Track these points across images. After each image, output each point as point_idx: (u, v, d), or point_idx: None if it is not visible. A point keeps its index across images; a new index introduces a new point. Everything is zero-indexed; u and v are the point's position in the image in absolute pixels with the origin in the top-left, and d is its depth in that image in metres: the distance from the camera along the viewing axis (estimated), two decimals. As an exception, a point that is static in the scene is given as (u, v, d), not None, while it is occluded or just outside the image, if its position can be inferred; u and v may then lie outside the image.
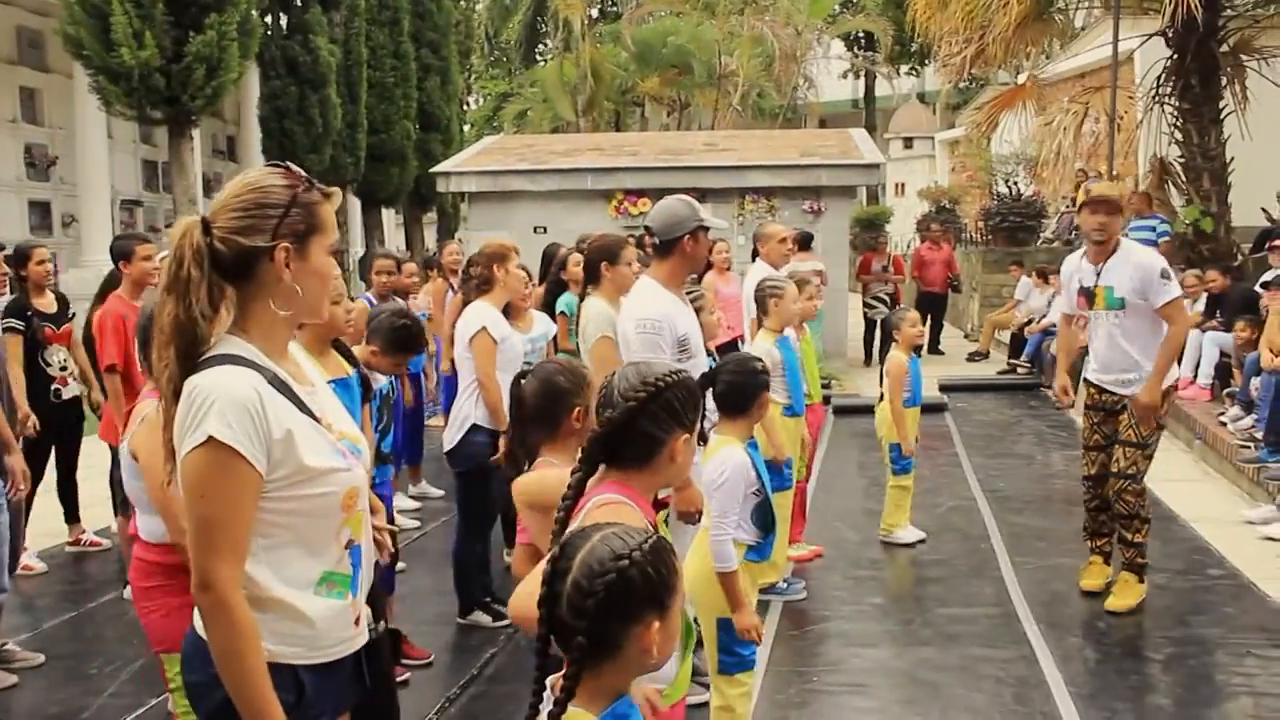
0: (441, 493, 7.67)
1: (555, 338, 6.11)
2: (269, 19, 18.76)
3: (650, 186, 13.57)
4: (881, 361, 7.02)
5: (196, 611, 2.09)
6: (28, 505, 5.26)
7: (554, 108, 27.95)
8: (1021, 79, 14.37)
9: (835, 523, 6.87)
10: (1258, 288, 9.04)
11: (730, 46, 25.56)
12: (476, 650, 4.94)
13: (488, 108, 40.06)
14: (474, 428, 5.04)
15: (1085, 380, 5.54)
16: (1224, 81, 11.83)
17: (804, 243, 11.66)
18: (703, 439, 3.31)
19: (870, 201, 27.74)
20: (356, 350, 4.70)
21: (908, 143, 33.20)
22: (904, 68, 36.60)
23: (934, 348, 15.09)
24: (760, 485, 3.60)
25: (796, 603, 5.48)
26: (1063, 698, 4.31)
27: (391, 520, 4.89)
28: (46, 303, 6.22)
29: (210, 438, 1.91)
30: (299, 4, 19.22)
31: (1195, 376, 9.37)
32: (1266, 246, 9.94)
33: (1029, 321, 13.18)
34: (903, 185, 32.18)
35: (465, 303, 5.30)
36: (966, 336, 17.19)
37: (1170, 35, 11.64)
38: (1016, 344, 13.24)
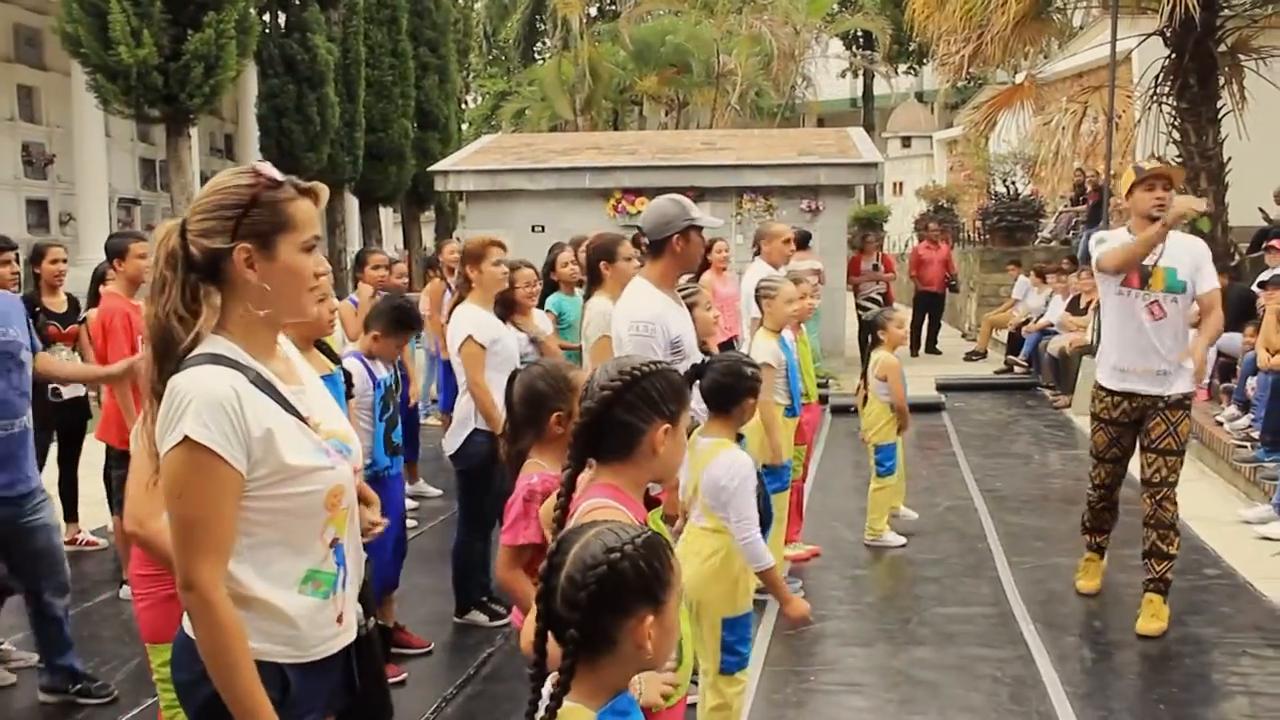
0: (439, 492, 7.67)
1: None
2: (267, 17, 18.75)
3: (648, 185, 13.57)
4: (865, 360, 6.97)
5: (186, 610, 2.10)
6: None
7: (552, 106, 27.94)
8: (1019, 78, 14.36)
9: (832, 522, 6.88)
10: (1254, 288, 9.05)
11: (728, 45, 25.56)
12: (474, 649, 4.95)
13: (486, 106, 40.04)
14: (475, 429, 5.04)
15: (1102, 389, 5.21)
16: (1221, 81, 11.85)
17: (801, 242, 11.64)
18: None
19: (868, 200, 27.77)
20: (358, 342, 4.72)
21: (906, 142, 33.25)
22: (902, 67, 36.64)
23: (931, 347, 15.10)
24: (758, 482, 3.61)
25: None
26: (1059, 697, 4.32)
27: (401, 510, 4.89)
28: (57, 302, 6.26)
29: (186, 437, 1.92)
30: (297, 2, 19.21)
31: (1192, 376, 9.37)
32: (1263, 246, 9.95)
33: (1026, 321, 13.18)
34: (901, 184, 32.22)
35: (457, 301, 5.29)
36: (964, 336, 17.20)
37: (1168, 35, 11.64)
38: (1014, 343, 13.25)
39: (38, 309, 6.05)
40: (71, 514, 6.61)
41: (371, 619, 2.32)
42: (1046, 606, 5.38)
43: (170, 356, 2.01)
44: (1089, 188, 16.38)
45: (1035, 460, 8.85)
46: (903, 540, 6.40)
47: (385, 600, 4.71)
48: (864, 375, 6.63)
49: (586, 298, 5.52)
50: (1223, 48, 11.77)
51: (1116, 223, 12.55)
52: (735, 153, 14.54)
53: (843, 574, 6.00)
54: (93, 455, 6.49)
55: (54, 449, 6.53)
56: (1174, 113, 11.97)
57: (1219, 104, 11.85)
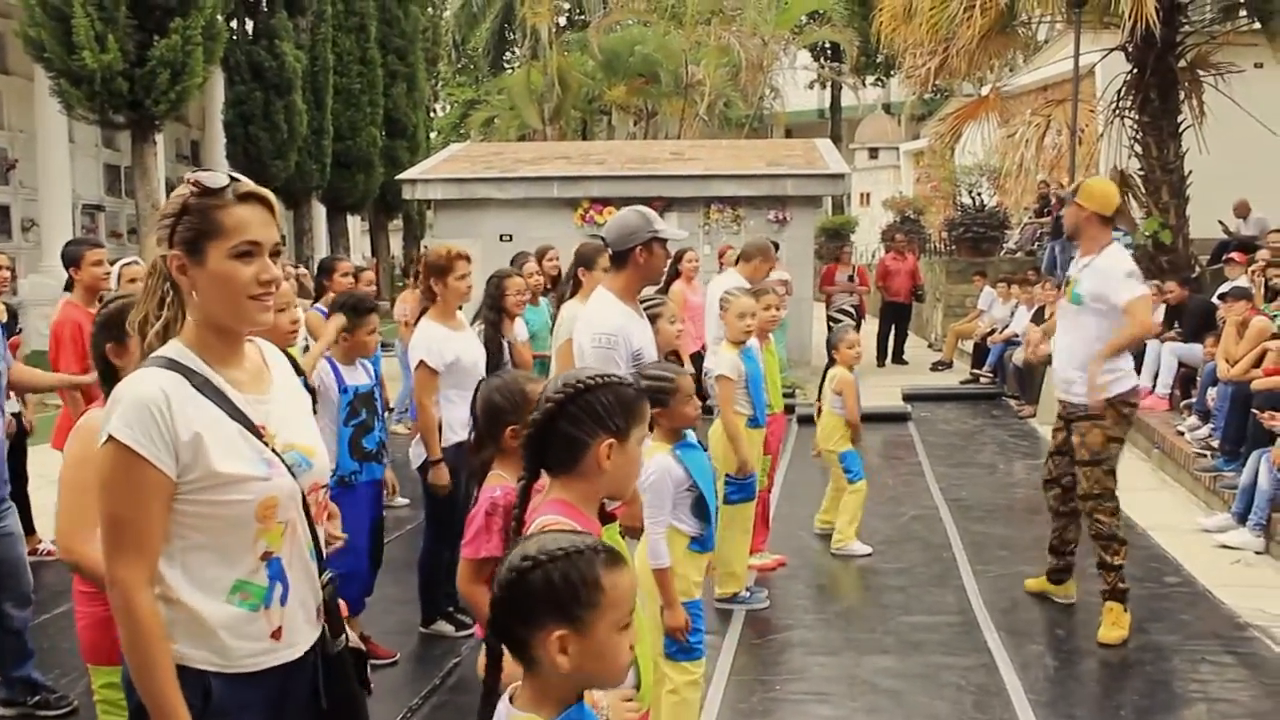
0: (406, 501, 7.63)
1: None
2: (234, 24, 18.64)
3: (616, 195, 13.58)
4: (824, 375, 7.08)
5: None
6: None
7: (521, 115, 27.89)
8: (985, 91, 14.53)
9: (798, 532, 6.90)
10: (1215, 299, 9.18)
11: (697, 56, 25.63)
12: (439, 660, 4.93)
13: (454, 115, 39.93)
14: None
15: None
16: (1182, 96, 12.03)
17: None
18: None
19: (835, 211, 27.93)
20: (333, 349, 4.70)
21: (873, 153, 33.46)
22: (869, 79, 36.85)
23: (898, 357, 15.19)
24: (692, 482, 3.67)
25: (759, 611, 5.50)
26: (1022, 705, 4.36)
27: (379, 518, 4.87)
28: None
29: (110, 437, 1.96)
30: (265, 9, 19.10)
31: (1154, 386, 9.49)
32: (1223, 259, 10.10)
33: (992, 331, 13.29)
34: (868, 195, 32.41)
35: (420, 313, 5.24)
36: (930, 346, 17.32)
37: (1130, 50, 11.82)
38: (979, 354, 13.35)
39: None
40: (28, 526, 6.53)
41: (343, 638, 2.27)
42: (1010, 615, 5.42)
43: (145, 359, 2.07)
44: (1053, 200, 16.56)
45: (1000, 470, 8.92)
46: (868, 549, 6.43)
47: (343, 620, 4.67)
48: (820, 390, 6.73)
49: (561, 303, 5.56)
50: (1183, 63, 11.96)
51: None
52: (703, 163, 14.59)
53: (809, 583, 6.02)
54: (49, 465, 6.40)
55: None
56: (1136, 126, 12.14)
57: (1180, 118, 12.03)
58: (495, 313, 5.88)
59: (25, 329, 6.35)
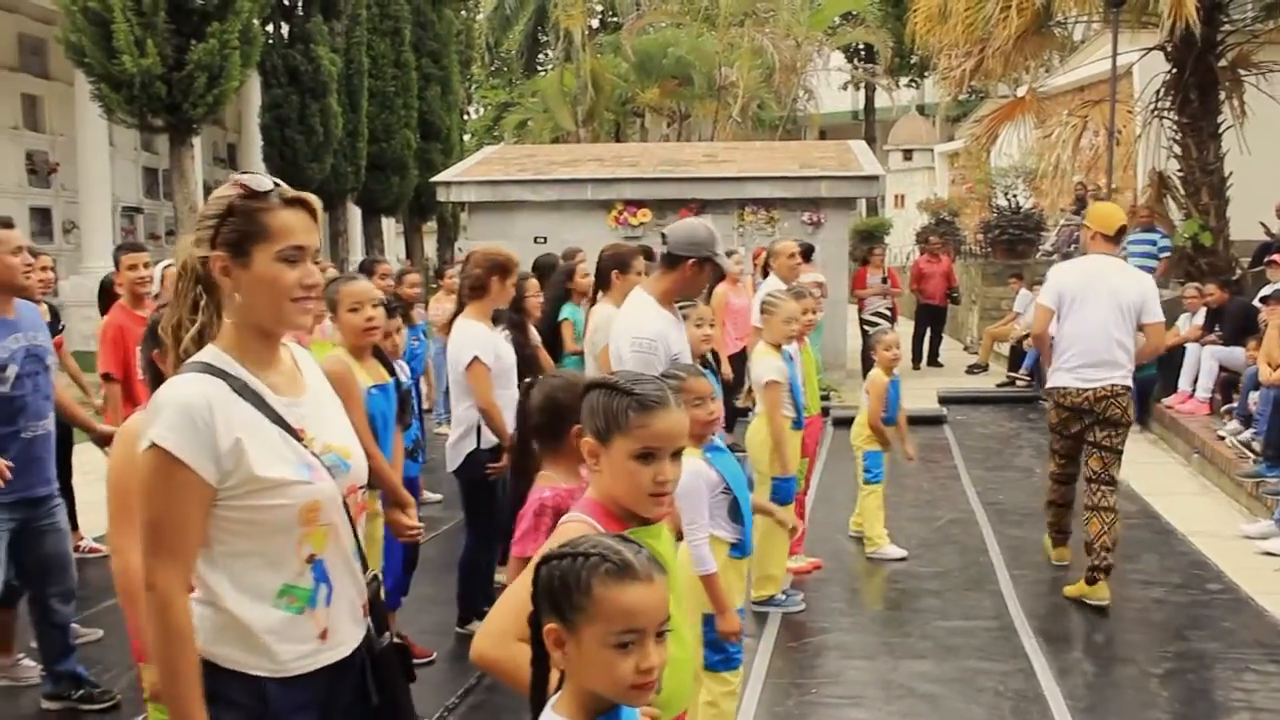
0: (440, 497, 7.67)
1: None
2: (271, 28, 18.78)
3: (650, 197, 13.61)
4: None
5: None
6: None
7: (554, 118, 27.98)
8: (1021, 92, 14.41)
9: (834, 535, 6.87)
10: (1256, 302, 9.06)
11: (730, 58, 25.60)
12: (475, 660, 4.93)
13: (488, 117, 40.13)
14: (478, 444, 5.07)
15: None
16: (1222, 96, 11.89)
17: (805, 254, 11.68)
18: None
19: (869, 213, 27.78)
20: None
21: (907, 155, 33.26)
22: (904, 80, 36.66)
23: (933, 360, 15.08)
24: (727, 485, 3.64)
25: (795, 615, 5.48)
26: (1061, 711, 4.31)
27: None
28: (40, 311, 6.21)
29: (153, 443, 1.96)
30: (301, 13, 19.24)
31: (1194, 390, 9.38)
32: (1265, 261, 9.96)
33: (1028, 334, 13.17)
34: (902, 197, 32.23)
35: (457, 312, 5.29)
36: (966, 349, 17.19)
37: (1169, 49, 11.69)
38: (1015, 357, 13.23)
39: None
40: (72, 522, 6.60)
41: (387, 635, 2.29)
42: (1048, 620, 5.37)
43: (179, 363, 2.08)
44: (1090, 201, 16.41)
45: (1037, 473, 8.82)
46: (903, 553, 6.39)
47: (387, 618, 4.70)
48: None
49: (592, 304, 5.58)
50: (1223, 62, 11.81)
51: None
52: (737, 165, 14.56)
53: (845, 586, 6.00)
54: (93, 462, 6.48)
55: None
56: (1175, 127, 12.00)
57: (1220, 119, 11.88)
58: (517, 314, 5.89)
59: (67, 329, 6.43)
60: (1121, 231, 5.83)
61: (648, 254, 6.97)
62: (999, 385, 13.11)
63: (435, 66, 24.60)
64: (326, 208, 21.77)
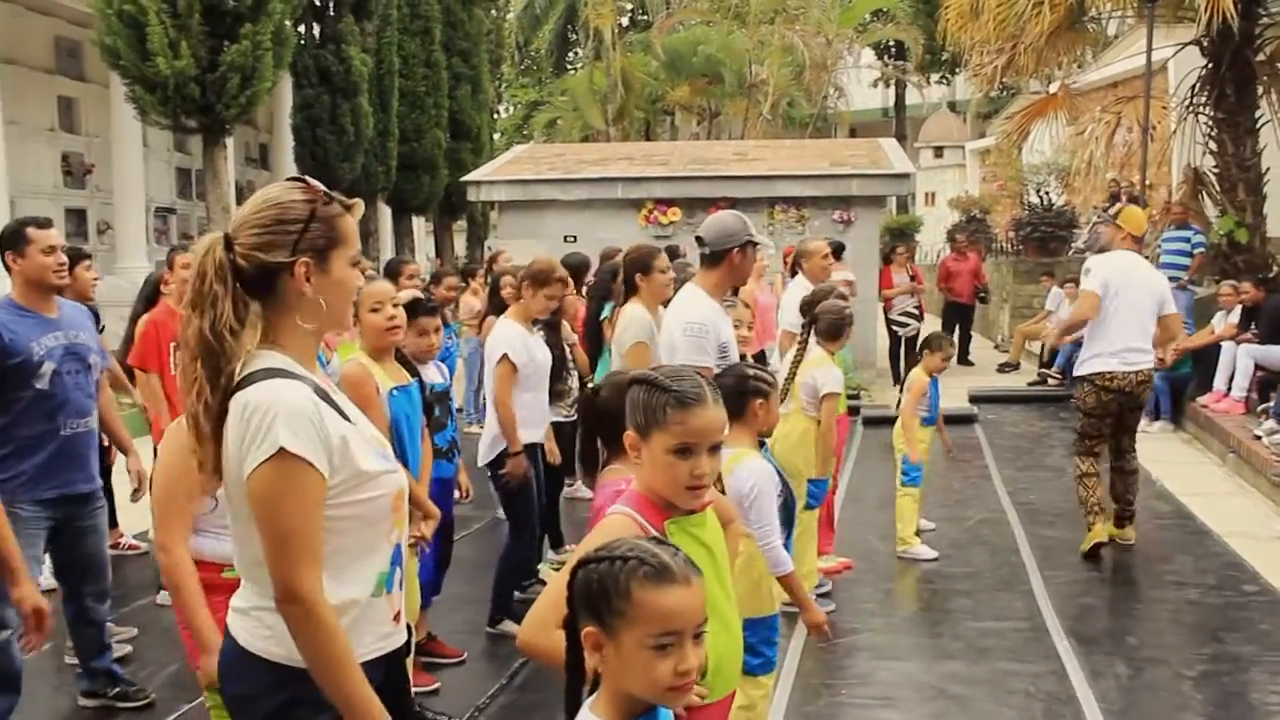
0: (471, 497, 7.69)
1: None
2: (302, 28, 18.88)
3: (680, 196, 13.60)
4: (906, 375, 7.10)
5: (233, 624, 2.12)
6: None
7: (584, 116, 28.04)
8: (1053, 88, 14.29)
9: (865, 535, 6.85)
10: (1293, 299, 8.95)
11: (760, 55, 25.55)
12: (506, 659, 4.96)
13: (518, 116, 40.21)
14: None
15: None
16: (1260, 91, 11.73)
17: (835, 253, 11.63)
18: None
19: (900, 211, 27.67)
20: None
21: (938, 152, 33.08)
22: (934, 77, 36.47)
23: (963, 358, 14.96)
24: (782, 485, 3.65)
25: (825, 615, 5.46)
26: (1093, 713, 4.29)
27: (449, 518, 4.93)
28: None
29: (282, 449, 1.94)
30: (332, 14, 19.34)
31: (1229, 389, 9.28)
32: (1302, 258, 9.84)
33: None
34: (933, 195, 32.06)
35: (489, 312, 5.45)
36: (997, 347, 17.07)
37: (1205, 44, 11.56)
38: (1047, 355, 13.13)
39: None
40: (111, 519, 6.69)
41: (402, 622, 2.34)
42: (1080, 621, 5.34)
43: (221, 371, 2.01)
44: (1123, 198, 16.25)
45: (1069, 473, 8.73)
46: (934, 554, 6.37)
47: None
48: (902, 389, 6.78)
49: (620, 306, 5.62)
50: (1261, 56, 11.66)
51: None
52: (767, 163, 14.52)
53: (875, 587, 5.98)
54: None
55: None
56: (1211, 123, 11.86)
57: (1257, 114, 11.74)
58: (553, 314, 5.95)
59: (105, 329, 6.52)
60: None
61: (673, 254, 6.99)
62: (1030, 384, 13.02)
63: (465, 66, 24.67)
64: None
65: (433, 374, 4.81)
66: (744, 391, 3.56)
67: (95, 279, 6.08)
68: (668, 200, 13.62)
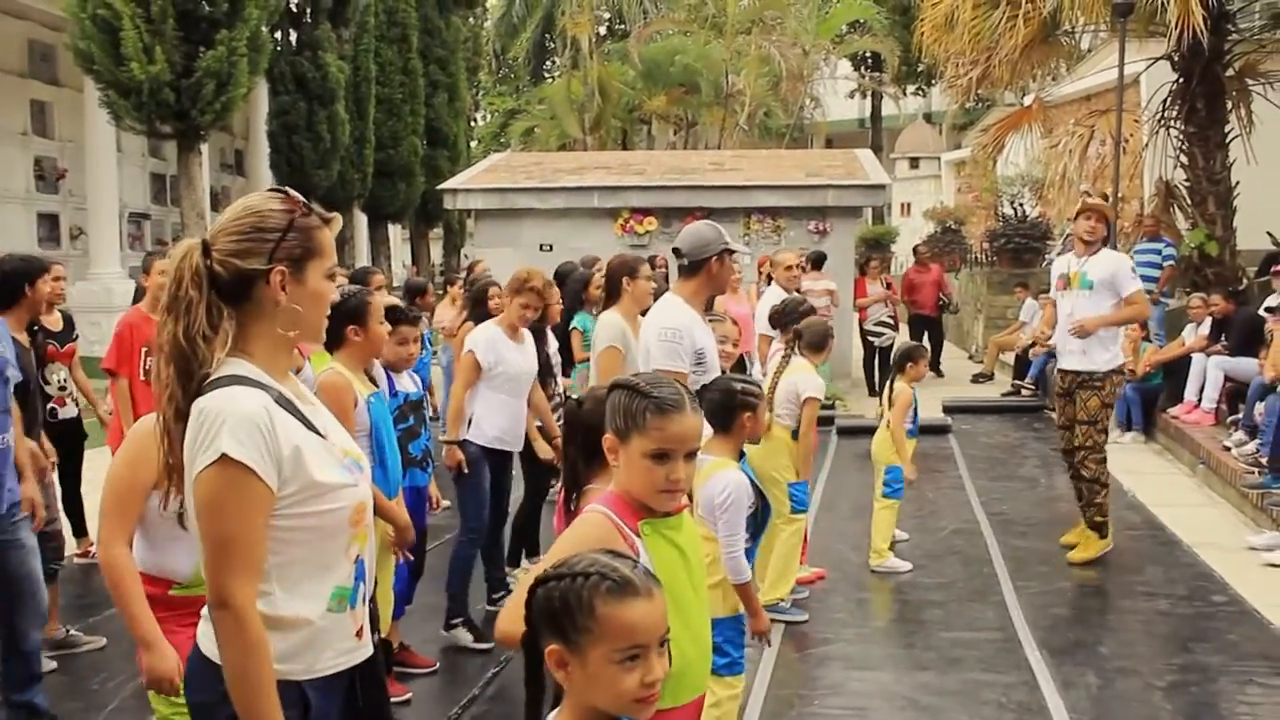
0: (447, 504, 7.66)
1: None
2: (279, 35, 18.82)
3: (657, 205, 13.62)
4: (882, 389, 7.13)
5: (199, 631, 2.11)
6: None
7: (561, 125, 28.06)
8: (1027, 101, 14.40)
9: (837, 545, 6.87)
10: (1262, 312, 9.04)
11: (737, 66, 25.63)
12: (479, 668, 4.95)
13: (495, 124, 40.19)
14: (465, 440, 5.28)
15: (1057, 371, 6.74)
16: (1229, 105, 11.87)
17: (816, 262, 11.74)
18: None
19: (876, 221, 27.79)
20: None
21: (914, 163, 33.25)
22: (910, 88, 36.65)
23: (934, 368, 14.99)
24: (754, 498, 3.67)
25: (798, 625, 5.48)
26: (1064, 724, 4.31)
27: (422, 527, 4.91)
28: (53, 320, 6.24)
29: (224, 455, 1.94)
30: (309, 20, 19.28)
31: (1199, 401, 9.36)
32: (1270, 271, 9.94)
33: (1034, 343, 13.14)
34: (908, 205, 32.21)
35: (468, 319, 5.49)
36: (970, 358, 17.17)
37: (1176, 59, 11.68)
38: (1021, 366, 13.21)
39: (36, 327, 6.03)
40: (80, 529, 6.63)
41: (375, 634, 2.32)
42: (1052, 632, 5.36)
43: (193, 376, 2.03)
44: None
45: (1042, 484, 8.83)
46: (908, 566, 6.38)
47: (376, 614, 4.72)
48: (882, 400, 6.81)
49: (601, 311, 5.67)
50: (1230, 72, 11.80)
51: (1122, 244, 12.56)
52: (743, 173, 14.56)
53: (848, 597, 5.99)
54: (102, 466, 6.50)
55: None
56: (1182, 136, 11.99)
57: (1227, 128, 11.87)
58: (539, 320, 5.96)
59: (79, 337, 6.49)
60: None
61: (653, 263, 7.02)
62: (1004, 395, 13.08)
63: (442, 73, 24.65)
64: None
65: (407, 383, 4.80)
66: (733, 406, 3.61)
67: (58, 290, 5.99)
68: (644, 209, 13.63)
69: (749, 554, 3.82)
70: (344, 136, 19.24)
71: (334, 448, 2.14)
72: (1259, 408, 7.86)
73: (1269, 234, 12.68)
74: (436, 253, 30.57)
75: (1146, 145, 12.86)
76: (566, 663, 1.63)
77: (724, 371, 4.83)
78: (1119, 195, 12.16)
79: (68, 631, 5.26)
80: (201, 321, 2.02)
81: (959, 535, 7.16)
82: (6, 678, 4.18)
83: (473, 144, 32.48)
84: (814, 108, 29.00)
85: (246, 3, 13.21)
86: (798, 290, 7.62)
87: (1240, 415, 8.45)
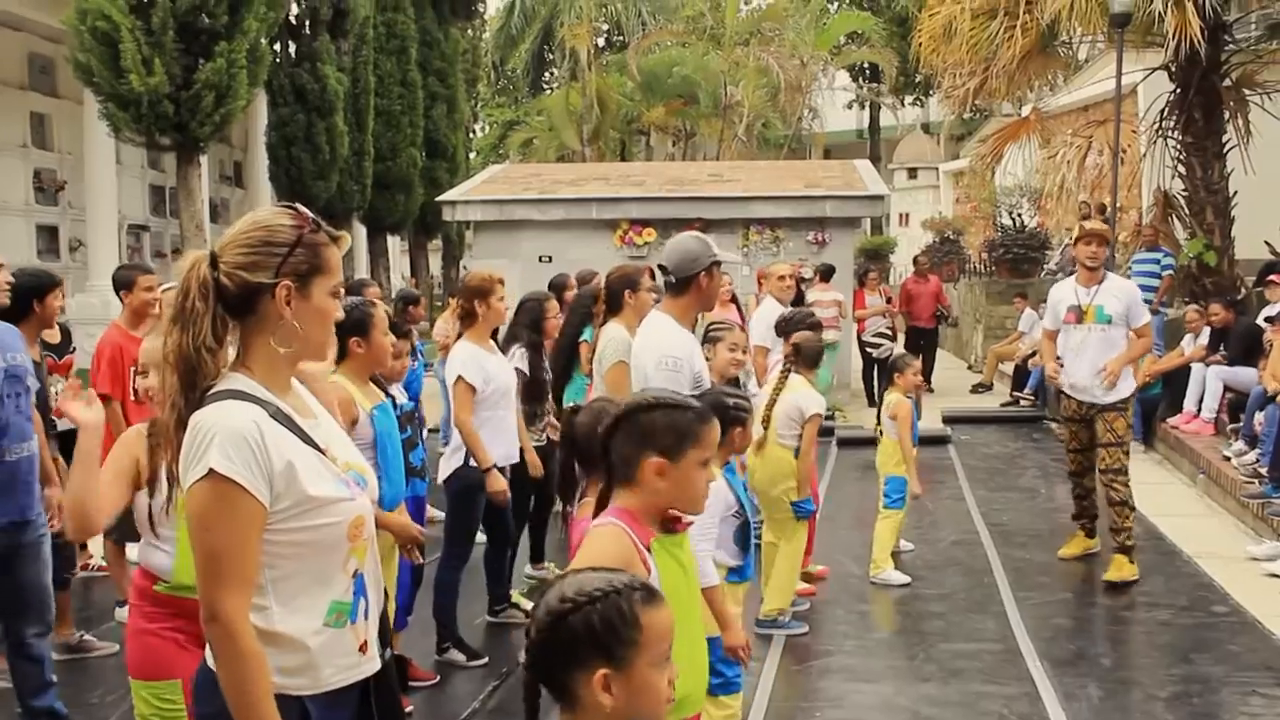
0: (442, 514, 7.65)
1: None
2: (278, 47, 18.88)
3: (655, 217, 13.62)
4: (879, 400, 7.17)
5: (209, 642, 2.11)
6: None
7: (560, 136, 28.15)
8: (1025, 111, 14.42)
9: (838, 556, 6.85)
10: (1260, 321, 9.04)
11: (736, 77, 25.70)
12: (480, 682, 4.93)
13: (494, 136, 40.30)
14: (467, 460, 5.13)
15: (1062, 394, 6.70)
16: (1227, 116, 11.89)
17: (825, 275, 11.79)
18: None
19: (874, 232, 27.81)
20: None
21: (912, 173, 33.29)
22: (908, 99, 36.77)
23: (926, 382, 14.93)
24: (740, 507, 3.65)
25: (798, 637, 5.46)
26: (1066, 736, 4.29)
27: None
28: (51, 334, 6.23)
29: (211, 470, 1.95)
30: (308, 32, 19.34)
31: (1199, 411, 9.36)
32: (1265, 281, 9.95)
33: (1033, 354, 13.12)
34: (907, 216, 32.24)
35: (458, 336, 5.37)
36: (970, 368, 17.16)
37: (1173, 69, 11.71)
38: (1020, 376, 13.21)
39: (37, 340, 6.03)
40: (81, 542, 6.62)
41: (388, 650, 2.32)
42: (1053, 643, 5.35)
43: (195, 388, 2.04)
44: (1093, 217, 16.38)
45: (1042, 494, 8.82)
46: (906, 579, 6.36)
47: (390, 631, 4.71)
48: (879, 413, 6.80)
49: (602, 324, 5.64)
50: (1228, 82, 11.82)
51: (1121, 256, 12.60)
52: (742, 184, 14.57)
53: (849, 609, 5.98)
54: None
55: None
56: (1179, 147, 12.00)
57: (1224, 138, 11.89)
58: (537, 334, 5.94)
59: (75, 349, 6.47)
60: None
61: (653, 273, 7.02)
62: (1003, 405, 13.08)
63: (441, 85, 24.72)
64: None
65: (399, 394, 4.80)
66: (724, 420, 3.59)
67: (61, 306, 5.97)
68: (643, 221, 13.63)
69: (744, 570, 3.82)
70: (343, 148, 19.28)
71: (333, 461, 2.13)
72: (1258, 417, 7.86)
73: (1267, 243, 12.69)
74: (435, 264, 30.58)
75: (1144, 155, 12.88)
76: (611, 685, 1.61)
77: (736, 381, 4.83)
78: (1117, 205, 12.18)
79: (81, 636, 5.27)
80: (206, 333, 2.03)
81: (959, 546, 7.15)
82: (20, 685, 4.26)
83: (471, 156, 32.53)
84: (812, 119, 29.07)
85: (245, 15, 13.24)
86: (803, 302, 7.66)
87: (1240, 425, 8.44)
